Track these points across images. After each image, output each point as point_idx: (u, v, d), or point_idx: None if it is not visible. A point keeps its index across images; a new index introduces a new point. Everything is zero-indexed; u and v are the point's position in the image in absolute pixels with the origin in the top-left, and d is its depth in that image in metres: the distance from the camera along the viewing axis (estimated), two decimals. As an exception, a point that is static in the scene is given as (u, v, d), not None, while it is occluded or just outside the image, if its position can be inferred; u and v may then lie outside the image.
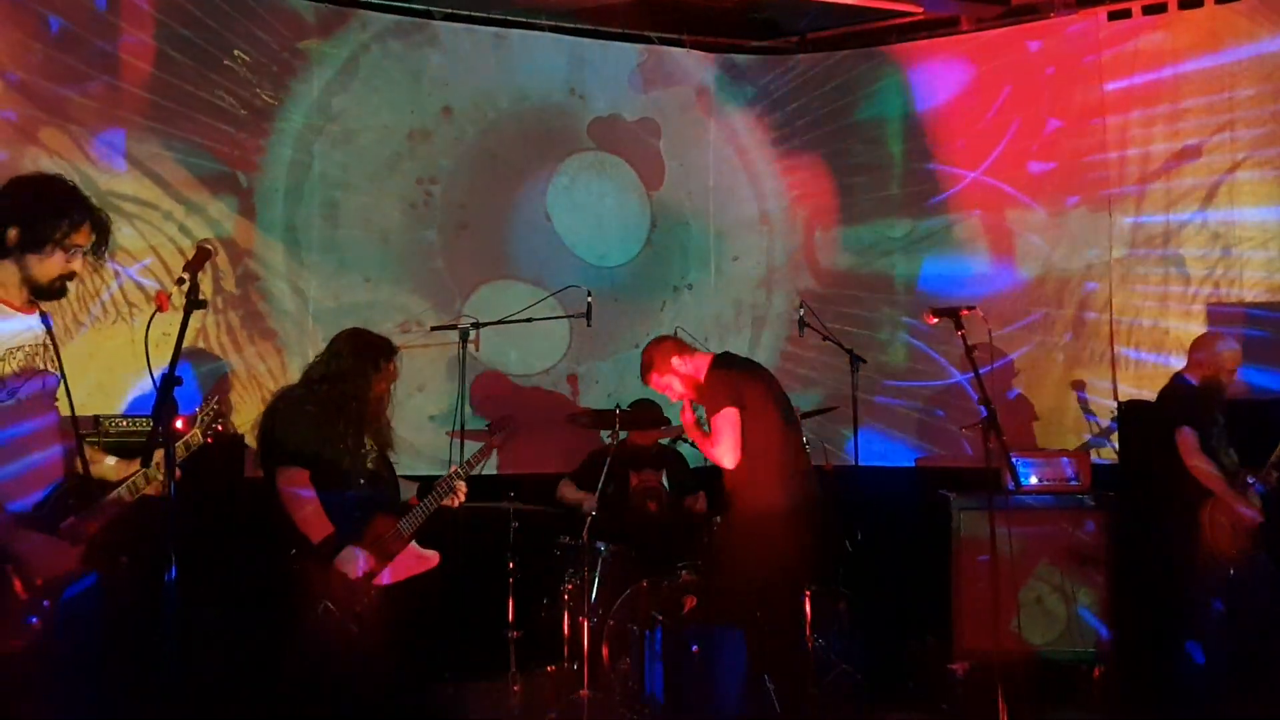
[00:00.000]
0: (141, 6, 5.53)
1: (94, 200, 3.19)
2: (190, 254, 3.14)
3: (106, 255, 3.24)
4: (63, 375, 3.21)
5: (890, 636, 5.45)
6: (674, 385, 4.75)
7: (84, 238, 3.10)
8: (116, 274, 5.38)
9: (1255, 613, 4.98)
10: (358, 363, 4.21)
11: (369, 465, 4.23)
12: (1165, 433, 5.10)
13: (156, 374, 2.85)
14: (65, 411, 3.19)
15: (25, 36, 5.03)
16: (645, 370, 4.82)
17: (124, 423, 4.90)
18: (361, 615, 4.00)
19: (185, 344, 2.90)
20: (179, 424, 3.20)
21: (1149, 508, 5.25)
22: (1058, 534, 5.61)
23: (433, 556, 4.31)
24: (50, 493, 3.10)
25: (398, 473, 4.52)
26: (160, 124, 5.60)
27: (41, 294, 3.12)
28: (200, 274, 2.98)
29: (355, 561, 4.01)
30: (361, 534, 4.09)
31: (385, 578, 4.14)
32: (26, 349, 3.11)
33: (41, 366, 3.16)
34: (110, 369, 5.28)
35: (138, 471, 3.24)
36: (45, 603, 2.98)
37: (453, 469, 4.49)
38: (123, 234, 5.37)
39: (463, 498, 4.41)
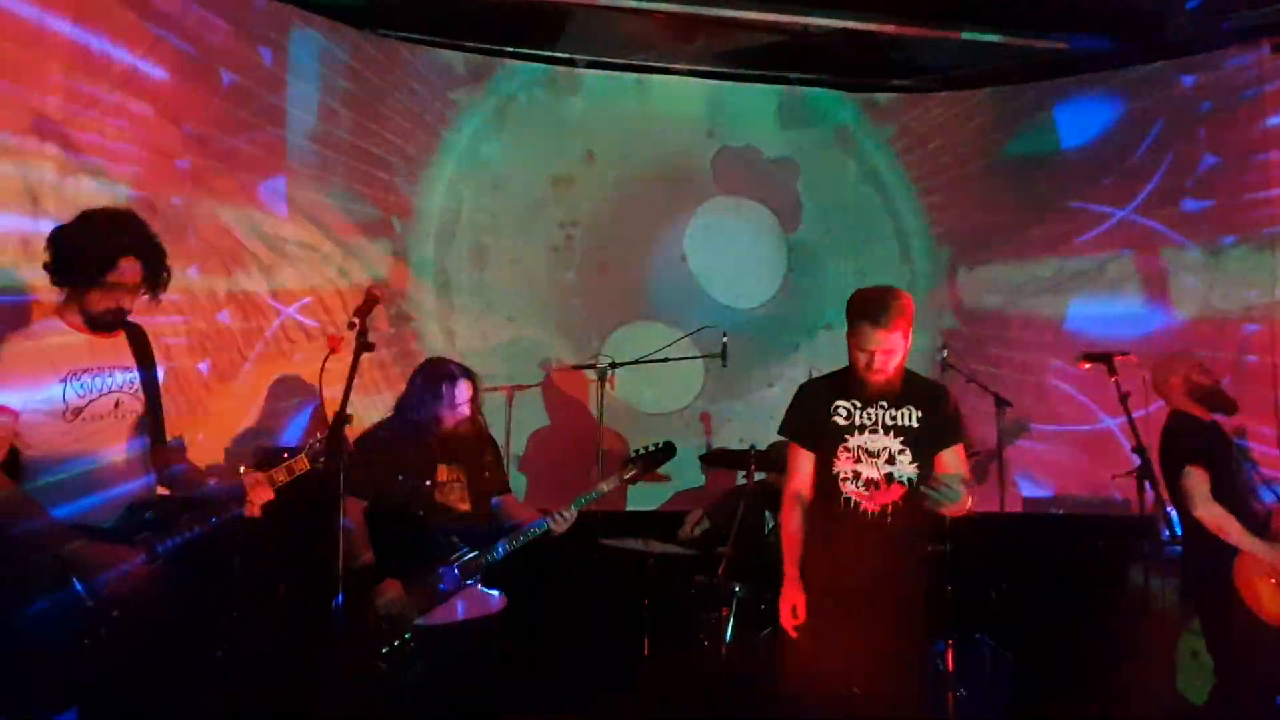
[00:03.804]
0: (303, 61, 5.85)
1: (149, 235, 3.28)
2: (347, 294, 3.27)
3: (162, 291, 3.32)
4: (150, 400, 3.37)
5: (1038, 689, 5.26)
6: (898, 353, 3.53)
7: (128, 276, 3.20)
8: (279, 313, 5.66)
9: None
10: (424, 389, 4.18)
11: (437, 498, 4.09)
12: (1171, 477, 4.34)
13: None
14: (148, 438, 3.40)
15: (201, 90, 5.37)
16: (906, 313, 3.48)
17: (284, 454, 5.12)
18: (391, 656, 3.82)
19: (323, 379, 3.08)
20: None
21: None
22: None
23: (493, 601, 4.07)
24: (126, 514, 3.26)
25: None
26: (320, 171, 5.89)
27: (91, 323, 3.26)
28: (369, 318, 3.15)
29: (391, 596, 3.88)
30: (414, 570, 3.94)
31: (437, 618, 3.94)
32: (94, 369, 3.26)
33: (114, 389, 3.30)
34: (269, 402, 5.54)
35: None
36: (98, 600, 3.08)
37: (563, 510, 4.19)
38: (285, 275, 5.66)
39: (563, 528, 4.14)
